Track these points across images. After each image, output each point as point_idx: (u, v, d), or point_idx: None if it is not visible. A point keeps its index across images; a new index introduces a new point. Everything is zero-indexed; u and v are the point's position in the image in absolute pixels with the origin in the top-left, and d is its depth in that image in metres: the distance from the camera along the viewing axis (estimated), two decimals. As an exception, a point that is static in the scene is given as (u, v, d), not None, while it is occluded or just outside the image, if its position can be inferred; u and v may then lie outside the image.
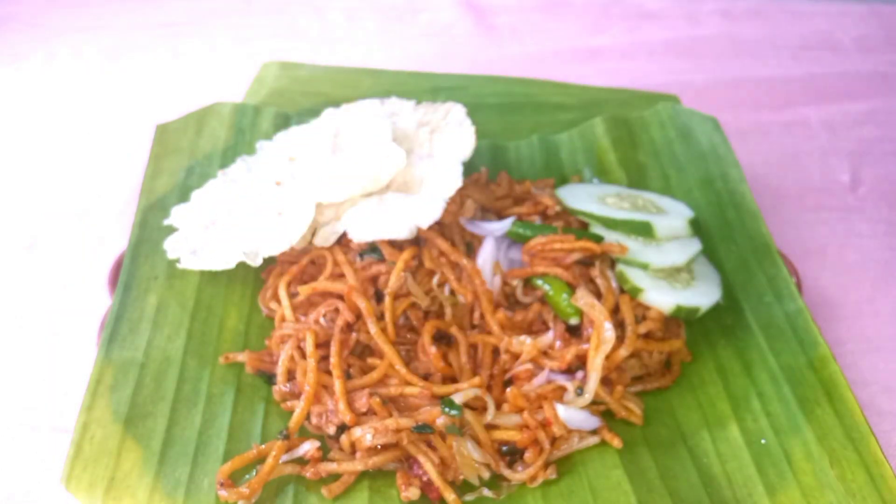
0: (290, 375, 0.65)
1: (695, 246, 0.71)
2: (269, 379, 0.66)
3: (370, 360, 0.65)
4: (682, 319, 0.69)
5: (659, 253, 0.69)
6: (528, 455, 0.60)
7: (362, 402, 0.61)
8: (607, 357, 0.63)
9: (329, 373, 0.63)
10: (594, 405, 0.63)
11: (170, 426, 0.61)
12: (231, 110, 0.89)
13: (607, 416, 0.64)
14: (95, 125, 1.06)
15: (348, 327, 0.66)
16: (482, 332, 0.67)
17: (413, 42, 1.24)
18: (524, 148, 0.92)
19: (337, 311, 0.66)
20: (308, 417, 0.62)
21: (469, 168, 0.78)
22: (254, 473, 0.58)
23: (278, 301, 0.70)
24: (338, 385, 0.61)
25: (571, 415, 0.61)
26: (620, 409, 0.64)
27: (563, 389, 0.63)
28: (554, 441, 0.61)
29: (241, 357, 0.67)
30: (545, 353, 0.65)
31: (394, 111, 0.82)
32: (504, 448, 0.61)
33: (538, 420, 0.61)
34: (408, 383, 0.63)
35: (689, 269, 0.71)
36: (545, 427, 0.61)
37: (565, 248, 0.68)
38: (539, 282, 0.68)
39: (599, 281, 0.68)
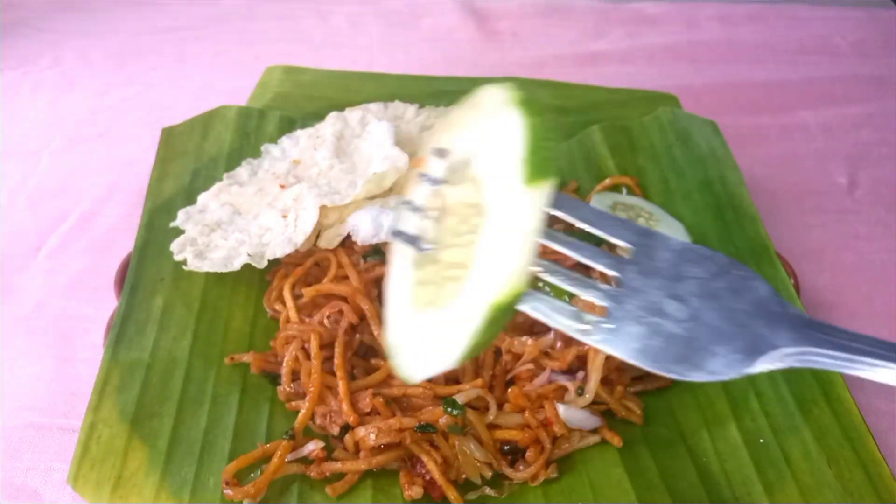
0: (295, 376, 0.66)
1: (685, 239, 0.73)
2: (274, 379, 0.67)
3: (374, 362, 0.66)
4: (681, 321, 0.70)
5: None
6: (529, 454, 0.61)
7: (366, 402, 0.61)
8: (607, 357, 0.63)
9: (333, 374, 0.64)
10: (595, 405, 0.64)
11: (176, 426, 0.61)
12: (236, 114, 0.90)
13: (608, 415, 0.64)
14: (102, 128, 1.07)
15: (352, 329, 0.66)
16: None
17: (415, 46, 1.25)
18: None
19: (341, 312, 0.67)
20: (312, 418, 0.63)
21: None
22: (259, 472, 0.59)
23: (283, 303, 0.71)
24: (341, 386, 0.62)
25: (572, 414, 0.62)
26: (621, 409, 0.64)
27: (564, 389, 0.64)
28: (555, 440, 0.62)
29: (247, 358, 0.67)
30: (546, 354, 0.66)
31: (397, 115, 0.83)
32: (506, 447, 0.62)
33: (539, 419, 0.62)
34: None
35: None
36: (546, 426, 0.61)
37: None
38: (540, 284, 0.68)
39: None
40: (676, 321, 0.38)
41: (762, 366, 0.37)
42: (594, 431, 0.63)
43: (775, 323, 0.38)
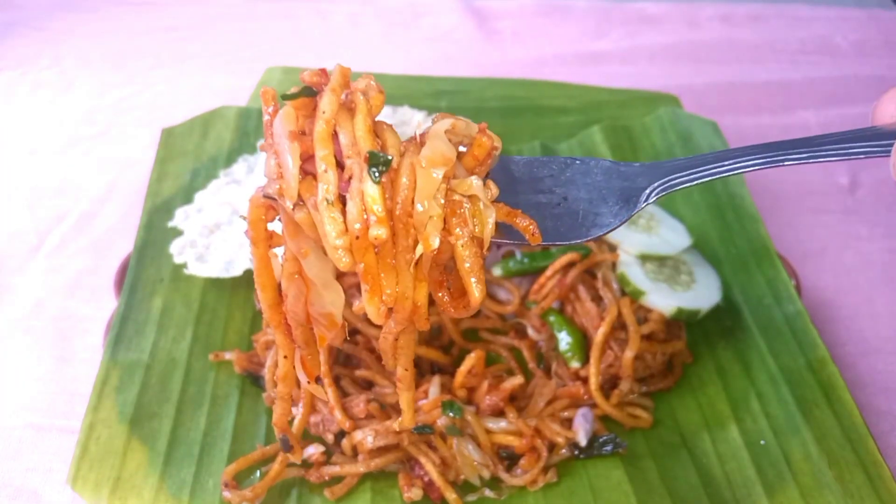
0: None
1: (686, 239, 0.73)
2: (256, 381, 0.66)
3: (358, 373, 0.65)
4: (682, 321, 0.70)
5: (653, 241, 0.71)
6: (523, 462, 0.60)
7: (360, 408, 0.61)
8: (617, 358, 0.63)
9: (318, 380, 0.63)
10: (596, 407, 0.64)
11: (175, 427, 0.61)
12: (236, 114, 0.90)
13: (608, 417, 0.64)
14: (102, 128, 1.07)
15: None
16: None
17: (415, 46, 1.24)
18: (526, 154, 0.92)
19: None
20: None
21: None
22: (258, 474, 0.59)
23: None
24: (331, 393, 0.61)
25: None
26: (618, 415, 0.64)
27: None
28: (552, 447, 0.61)
29: (229, 356, 0.66)
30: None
31: (404, 120, 0.83)
32: (504, 452, 0.61)
33: (532, 427, 0.60)
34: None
35: (690, 271, 0.72)
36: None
37: (548, 281, 0.68)
38: (551, 318, 0.68)
39: (603, 291, 0.67)
40: (552, 206, 0.46)
41: (642, 204, 0.45)
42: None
43: (630, 176, 0.45)
